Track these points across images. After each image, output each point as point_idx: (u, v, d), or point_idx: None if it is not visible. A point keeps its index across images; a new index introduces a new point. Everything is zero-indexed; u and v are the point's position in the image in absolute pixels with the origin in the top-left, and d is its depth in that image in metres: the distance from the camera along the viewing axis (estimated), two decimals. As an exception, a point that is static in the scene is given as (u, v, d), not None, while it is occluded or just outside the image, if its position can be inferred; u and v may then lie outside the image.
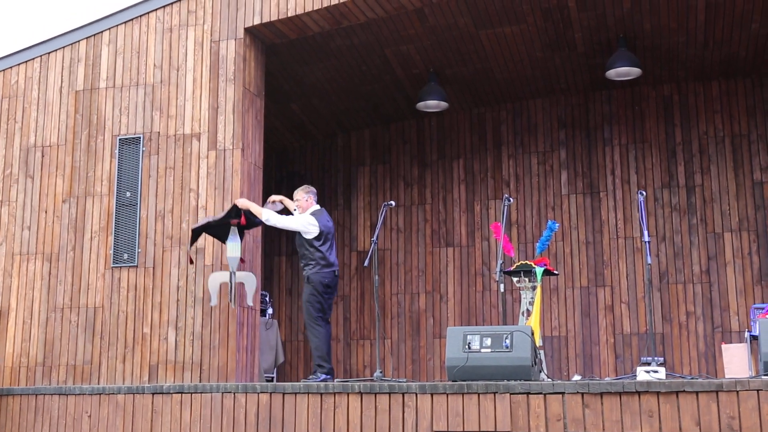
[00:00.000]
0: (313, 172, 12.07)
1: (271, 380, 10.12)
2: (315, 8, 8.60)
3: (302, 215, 8.25)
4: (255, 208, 8.11)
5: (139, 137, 8.83)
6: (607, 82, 10.53)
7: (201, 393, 7.28)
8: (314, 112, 11.40)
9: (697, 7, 9.14)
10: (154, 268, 8.53)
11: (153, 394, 7.49)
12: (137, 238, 8.61)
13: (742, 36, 9.64)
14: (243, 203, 8.10)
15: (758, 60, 10.15)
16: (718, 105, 10.67)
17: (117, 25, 9.13)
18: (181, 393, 7.37)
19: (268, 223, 8.11)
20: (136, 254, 8.58)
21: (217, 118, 8.65)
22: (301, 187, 8.43)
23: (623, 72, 9.81)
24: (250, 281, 8.14)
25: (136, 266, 8.57)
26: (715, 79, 10.67)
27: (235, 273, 8.04)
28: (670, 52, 10.08)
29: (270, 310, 10.54)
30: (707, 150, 10.59)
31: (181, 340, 8.30)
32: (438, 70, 10.45)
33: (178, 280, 8.44)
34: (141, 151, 8.79)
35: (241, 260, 8.14)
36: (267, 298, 10.51)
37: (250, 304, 8.21)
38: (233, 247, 8.05)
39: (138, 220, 8.65)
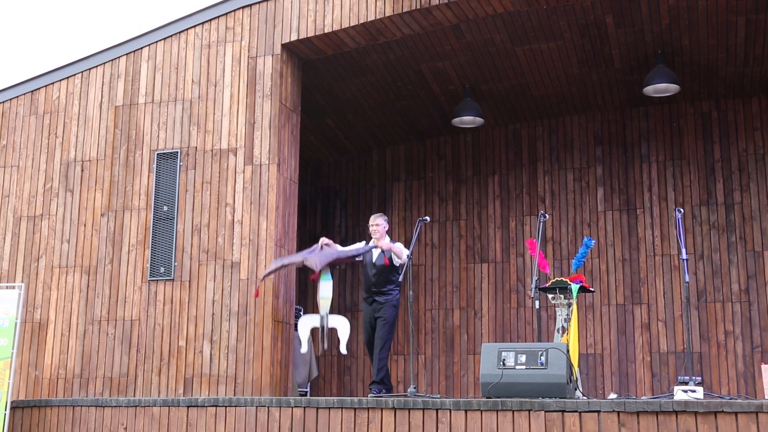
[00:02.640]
0: (348, 187, 12.14)
1: (305, 395, 10.16)
2: (351, 24, 8.69)
3: (400, 244, 8.29)
4: (397, 249, 8.10)
5: (177, 152, 8.96)
6: (644, 98, 10.48)
7: (235, 406, 7.34)
8: (350, 127, 11.47)
9: (737, 24, 9.08)
10: (190, 281, 8.63)
11: (188, 407, 7.57)
12: (174, 252, 8.72)
13: (783, 52, 9.58)
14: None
15: (799, 76, 10.07)
16: (758, 122, 10.57)
17: (156, 42, 9.28)
18: (216, 406, 7.44)
19: (406, 258, 8.05)
20: (173, 268, 8.69)
21: (253, 134, 8.75)
22: (379, 214, 8.45)
23: (661, 88, 9.76)
24: (344, 326, 7.93)
25: (173, 280, 8.67)
26: (755, 95, 10.58)
27: (327, 316, 7.89)
28: (709, 68, 10.02)
29: (304, 325, 10.57)
30: (747, 167, 10.49)
31: (216, 353, 8.38)
32: (474, 86, 10.48)
33: (214, 293, 8.53)
34: (178, 166, 8.92)
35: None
36: (301, 313, 10.56)
37: (344, 352, 8.01)
38: (326, 286, 7.90)
39: (175, 234, 8.76)
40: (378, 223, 8.34)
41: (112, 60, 9.42)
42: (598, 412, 6.18)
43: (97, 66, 9.48)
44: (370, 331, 8.26)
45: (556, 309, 7.79)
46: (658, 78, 9.66)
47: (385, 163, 12.02)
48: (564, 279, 7.85)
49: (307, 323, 7.94)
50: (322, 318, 7.91)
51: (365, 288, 8.24)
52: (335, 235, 12.01)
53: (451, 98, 10.72)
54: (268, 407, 7.18)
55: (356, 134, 11.69)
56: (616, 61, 9.93)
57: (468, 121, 10.68)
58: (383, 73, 10.11)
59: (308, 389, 10.39)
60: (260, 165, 8.66)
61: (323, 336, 7.86)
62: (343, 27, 8.73)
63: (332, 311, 8.10)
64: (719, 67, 10.00)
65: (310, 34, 8.82)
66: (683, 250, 7.39)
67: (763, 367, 8.42)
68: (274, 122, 8.72)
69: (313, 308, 11.82)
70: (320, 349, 7.88)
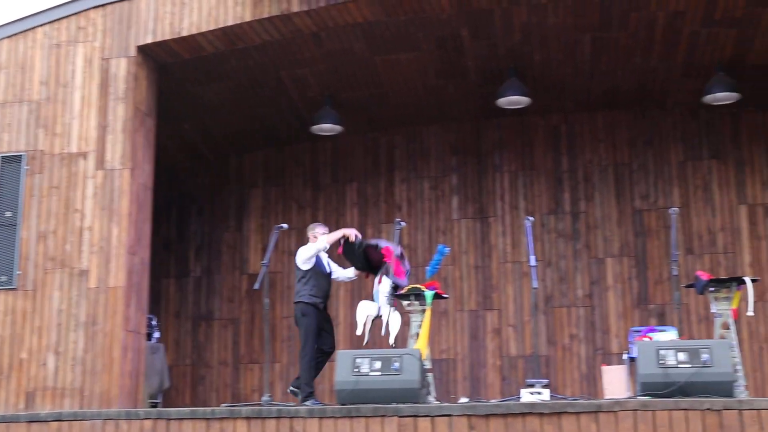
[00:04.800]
0: (205, 194, 11.95)
1: (156, 406, 9.92)
2: (209, 29, 8.59)
3: None
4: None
5: (22, 155, 8.58)
6: (498, 110, 10.78)
7: (81, 420, 7.08)
8: (207, 132, 11.31)
9: (584, 41, 9.52)
10: (34, 291, 8.27)
11: (29, 422, 7.23)
12: (17, 260, 8.34)
13: (626, 69, 10.09)
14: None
15: (640, 93, 10.63)
16: (602, 135, 11.10)
17: (0, 40, 8.87)
18: (60, 420, 7.14)
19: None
20: (15, 276, 8.31)
21: (105, 137, 8.49)
22: (320, 224, 8.49)
23: (513, 101, 10.10)
24: (396, 321, 7.83)
25: (15, 289, 8.29)
26: (600, 110, 11.10)
27: (381, 308, 7.85)
28: (558, 82, 10.45)
29: (156, 334, 10.33)
30: (592, 178, 11.00)
31: (62, 365, 8.06)
32: (333, 94, 10.53)
33: (60, 303, 8.20)
34: (23, 170, 8.54)
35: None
36: (153, 322, 10.31)
37: (392, 343, 7.81)
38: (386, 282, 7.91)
39: (18, 241, 8.37)
40: (323, 232, 8.29)
41: (-48, 57, 8.93)
42: (450, 416, 6.33)
43: (-65, 63, 8.96)
44: (318, 337, 8.10)
45: (411, 316, 7.91)
46: (510, 91, 9.99)
47: (243, 170, 11.91)
48: (419, 286, 7.98)
49: (364, 309, 7.88)
50: (378, 308, 7.84)
51: (320, 294, 8.13)
52: (190, 241, 11.80)
53: (311, 106, 10.73)
54: (117, 420, 6.96)
55: (214, 140, 11.53)
56: (472, 73, 10.21)
57: (327, 128, 10.72)
58: (242, 78, 10.02)
59: (160, 400, 10.15)
60: (113, 170, 8.41)
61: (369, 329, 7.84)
62: (200, 31, 8.61)
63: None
64: (567, 82, 10.45)
65: (167, 37, 8.65)
66: (532, 257, 7.67)
67: (604, 368, 8.85)
68: (127, 126, 8.49)
69: (167, 317, 11.58)
70: (365, 339, 7.84)
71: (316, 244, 8.07)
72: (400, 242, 10.62)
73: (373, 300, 7.95)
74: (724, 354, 6.57)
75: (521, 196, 11.10)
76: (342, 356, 7.02)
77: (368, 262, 8.05)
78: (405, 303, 7.91)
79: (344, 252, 8.07)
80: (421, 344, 7.48)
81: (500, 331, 10.75)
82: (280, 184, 11.73)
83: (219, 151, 11.84)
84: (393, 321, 7.78)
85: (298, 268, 8.25)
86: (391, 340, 7.89)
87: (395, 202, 11.35)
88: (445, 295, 8.23)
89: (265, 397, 7.31)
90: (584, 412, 6.16)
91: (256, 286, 7.91)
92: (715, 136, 10.84)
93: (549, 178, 11.08)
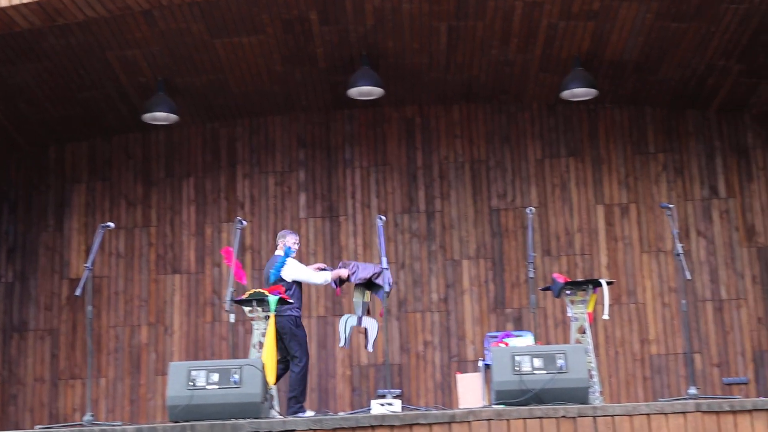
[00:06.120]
0: (19, 189, 11.49)
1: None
2: (23, 2, 8.25)
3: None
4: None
5: None
6: (349, 101, 10.89)
7: None
8: (21, 119, 10.88)
9: (440, 30, 9.75)
10: None
11: None
12: None
13: (482, 61, 10.40)
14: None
15: (497, 86, 10.99)
16: (458, 129, 11.40)
17: None
18: None
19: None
20: None
21: None
22: (290, 231, 9.16)
23: (365, 91, 10.20)
24: (373, 327, 8.85)
25: None
26: (456, 102, 11.40)
27: (362, 317, 8.83)
28: (412, 73, 10.65)
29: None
30: (447, 175, 11.27)
31: None
32: (168, 79, 10.35)
33: None
34: None
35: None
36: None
37: (371, 350, 9.06)
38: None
39: None
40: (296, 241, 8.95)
41: None
42: (294, 431, 6.37)
43: None
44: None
45: (253, 323, 7.88)
46: (362, 80, 10.08)
47: (63, 162, 11.54)
48: (262, 290, 7.96)
49: (346, 321, 8.86)
50: (358, 318, 8.87)
51: (301, 307, 8.89)
52: (1, 243, 11.32)
53: (142, 92, 10.51)
54: None
55: (29, 128, 11.12)
56: (321, 60, 10.26)
57: (161, 117, 10.51)
58: (63, 59, 9.71)
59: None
60: None
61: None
62: (12, 4, 8.26)
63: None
64: (423, 73, 10.67)
65: (-28, 8, 8.26)
66: (384, 259, 7.80)
67: (459, 376, 9.11)
68: (-76, 109, 8.06)
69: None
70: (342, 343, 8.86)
71: (316, 280, 8.93)
72: (242, 242, 10.64)
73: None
74: (580, 359, 6.90)
75: (373, 193, 11.24)
76: (175, 368, 6.90)
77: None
78: (247, 309, 7.87)
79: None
80: (266, 356, 7.45)
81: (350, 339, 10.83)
82: (107, 178, 11.43)
83: (36, 140, 11.43)
84: (369, 326, 8.80)
85: (282, 279, 8.58)
86: (369, 347, 8.89)
87: (237, 200, 11.27)
88: (290, 301, 8.24)
89: (87, 417, 7.10)
90: (437, 423, 6.35)
91: (78, 292, 7.71)
92: (572, 133, 11.34)
93: (403, 174, 11.28)
